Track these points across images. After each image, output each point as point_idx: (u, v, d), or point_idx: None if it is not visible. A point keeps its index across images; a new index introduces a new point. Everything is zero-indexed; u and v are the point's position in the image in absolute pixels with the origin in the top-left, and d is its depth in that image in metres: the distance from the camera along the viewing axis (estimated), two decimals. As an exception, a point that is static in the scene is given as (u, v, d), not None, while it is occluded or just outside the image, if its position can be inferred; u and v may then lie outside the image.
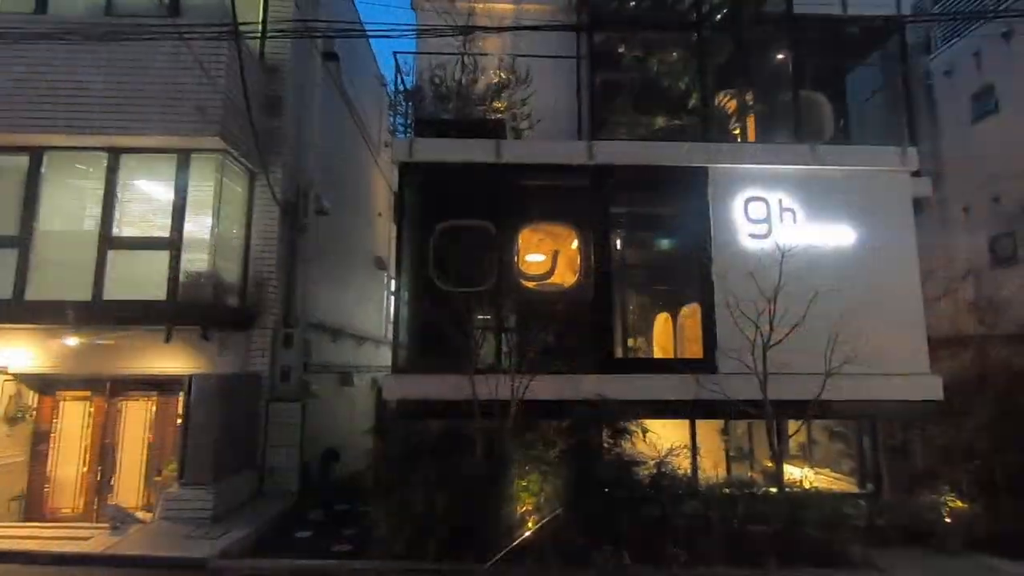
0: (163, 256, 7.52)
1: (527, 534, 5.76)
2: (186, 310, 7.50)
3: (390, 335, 7.47)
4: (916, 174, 7.69)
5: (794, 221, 7.37)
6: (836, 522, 5.96)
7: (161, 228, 7.66)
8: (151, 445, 7.91)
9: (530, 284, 7.64)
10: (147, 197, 8.09)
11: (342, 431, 10.34)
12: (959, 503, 6.69)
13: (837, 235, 7.37)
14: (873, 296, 7.03)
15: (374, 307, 14.00)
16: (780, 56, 8.71)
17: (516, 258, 7.50)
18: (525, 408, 6.38)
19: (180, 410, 7.34)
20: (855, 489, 7.55)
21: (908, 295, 7.30)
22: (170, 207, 7.64)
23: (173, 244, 7.54)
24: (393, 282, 7.82)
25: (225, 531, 6.44)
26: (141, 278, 7.54)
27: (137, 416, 8.00)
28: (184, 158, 7.73)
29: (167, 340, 7.57)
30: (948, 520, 6.52)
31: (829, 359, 6.51)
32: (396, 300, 7.47)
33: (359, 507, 6.87)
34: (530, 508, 5.96)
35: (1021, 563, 5.97)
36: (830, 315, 6.64)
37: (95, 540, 6.22)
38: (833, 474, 8.11)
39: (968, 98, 10.87)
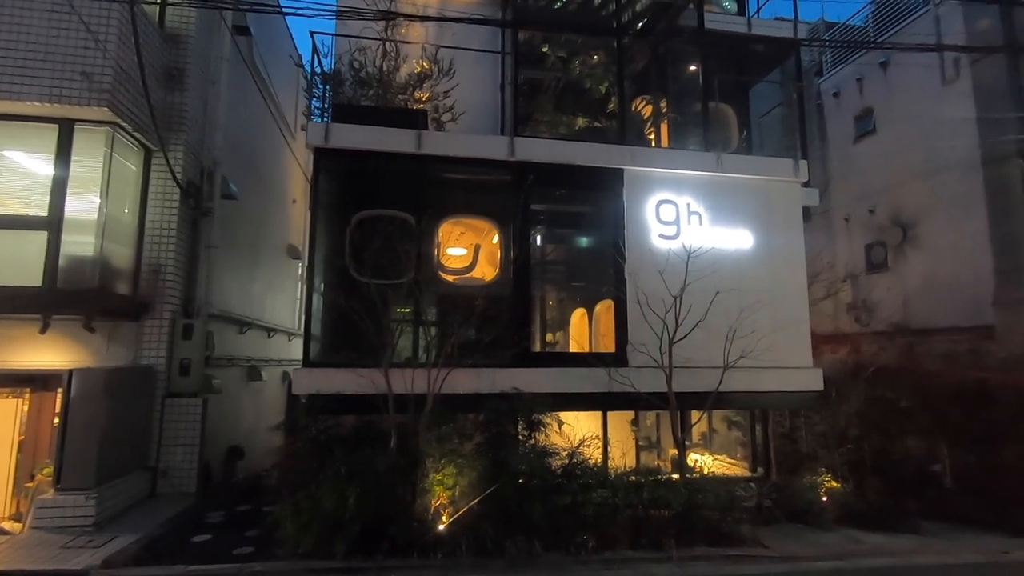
0: (40, 237, 6.74)
1: (441, 528, 5.74)
2: (66, 298, 6.77)
3: (303, 327, 7.14)
4: (806, 185, 8.42)
5: (700, 224, 7.81)
6: (729, 504, 6.43)
7: (38, 206, 6.85)
8: (22, 448, 7.10)
9: (450, 278, 7.60)
10: (20, 171, 7.19)
11: (248, 428, 9.82)
12: (834, 483, 7.46)
13: (737, 238, 7.89)
14: (766, 296, 7.62)
15: (286, 298, 13.34)
16: (692, 67, 9.24)
17: (436, 251, 7.43)
18: (443, 402, 6.35)
19: (59, 408, 6.63)
20: (748, 473, 8.20)
21: (796, 295, 7.96)
22: (49, 183, 6.85)
23: (52, 224, 6.76)
24: (307, 272, 7.49)
25: (110, 538, 5.91)
26: (11, 261, 6.72)
27: (5, 416, 7.13)
28: (67, 129, 6.94)
29: (43, 331, 6.85)
30: (824, 499, 7.25)
31: (727, 353, 7.03)
32: (309, 291, 7.17)
33: (264, 507, 6.56)
34: (445, 501, 5.94)
35: (881, 534, 6.77)
36: (729, 313, 7.17)
37: (-51, 556, 5.51)
38: (730, 460, 8.76)
39: (852, 119, 12.05)
